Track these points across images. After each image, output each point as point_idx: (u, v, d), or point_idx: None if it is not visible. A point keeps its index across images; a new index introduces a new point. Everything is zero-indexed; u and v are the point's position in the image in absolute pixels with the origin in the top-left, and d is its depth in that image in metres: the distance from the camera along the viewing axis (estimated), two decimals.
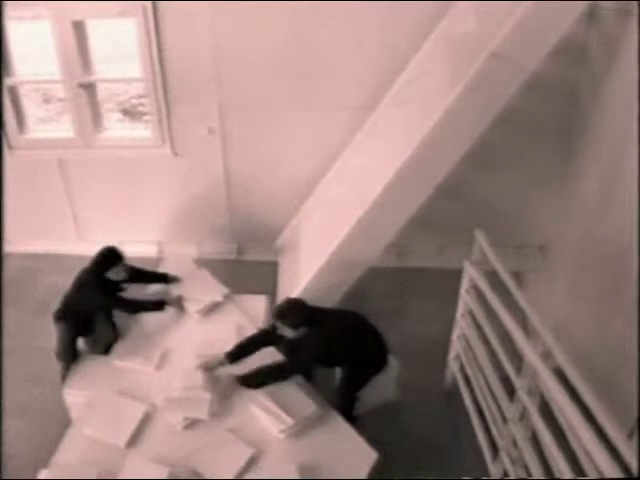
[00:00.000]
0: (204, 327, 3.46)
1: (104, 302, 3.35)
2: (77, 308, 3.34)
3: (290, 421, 2.84)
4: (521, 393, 2.54)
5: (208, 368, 3.00)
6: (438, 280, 4.20)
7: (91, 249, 4.77)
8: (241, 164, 4.46)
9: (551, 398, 2.30)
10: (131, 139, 4.63)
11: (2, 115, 4.26)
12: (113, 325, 3.48)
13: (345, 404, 3.17)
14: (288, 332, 2.93)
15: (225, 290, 3.63)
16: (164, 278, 3.68)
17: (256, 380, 2.92)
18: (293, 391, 2.97)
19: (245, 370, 2.96)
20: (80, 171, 4.61)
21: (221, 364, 3.01)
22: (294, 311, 2.95)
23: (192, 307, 3.51)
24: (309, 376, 3.29)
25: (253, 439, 2.82)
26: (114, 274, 3.31)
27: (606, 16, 3.42)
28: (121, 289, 3.47)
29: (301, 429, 2.87)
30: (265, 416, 2.90)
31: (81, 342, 3.45)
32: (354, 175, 3.99)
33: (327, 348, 2.97)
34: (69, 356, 3.36)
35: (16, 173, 4.43)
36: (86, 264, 3.39)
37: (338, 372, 3.27)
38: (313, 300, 3.19)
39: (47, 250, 4.86)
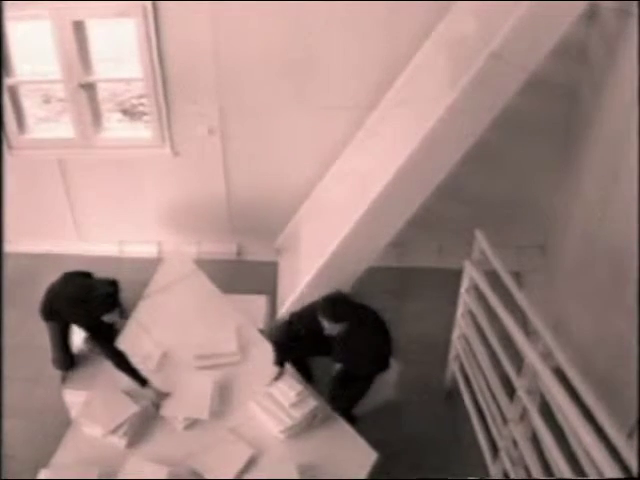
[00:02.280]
0: (204, 327, 3.46)
1: (105, 350, 3.13)
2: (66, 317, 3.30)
3: (289, 422, 2.84)
4: (521, 393, 2.54)
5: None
6: (438, 280, 4.20)
7: (91, 249, 4.83)
8: (241, 164, 4.45)
9: (551, 398, 2.30)
10: (131, 139, 4.63)
11: (2, 115, 4.26)
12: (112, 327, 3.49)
13: (343, 400, 3.17)
14: (331, 327, 2.90)
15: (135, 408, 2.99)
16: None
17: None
18: (292, 390, 2.98)
19: None
20: (80, 171, 4.60)
21: (280, 374, 3.06)
22: (336, 306, 2.91)
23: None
24: (309, 375, 3.29)
25: (253, 439, 2.82)
26: (108, 318, 3.13)
27: (606, 16, 3.41)
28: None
29: (301, 429, 2.87)
30: (265, 416, 2.90)
31: (81, 342, 3.45)
32: (354, 175, 3.99)
33: (375, 347, 3.05)
34: (65, 363, 3.36)
35: (16, 173, 4.43)
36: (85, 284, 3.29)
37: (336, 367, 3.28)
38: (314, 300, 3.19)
39: (47, 250, 4.86)
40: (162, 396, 3.04)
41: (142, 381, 3.06)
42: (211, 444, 2.82)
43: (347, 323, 2.89)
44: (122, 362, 3.09)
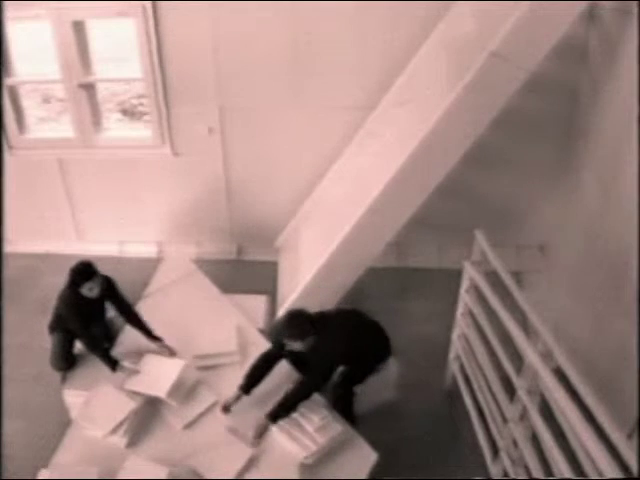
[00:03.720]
0: (204, 327, 3.46)
1: (76, 324, 3.21)
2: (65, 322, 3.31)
3: (314, 447, 2.78)
4: (521, 393, 2.54)
5: (227, 407, 2.95)
6: (438, 280, 4.20)
7: (91, 249, 4.83)
8: (241, 164, 4.46)
9: (551, 398, 2.30)
10: (131, 139, 4.63)
11: (2, 115, 4.26)
12: (108, 328, 3.49)
13: (345, 400, 3.16)
14: (297, 345, 2.87)
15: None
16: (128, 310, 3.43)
17: (284, 412, 2.86)
18: (316, 415, 2.90)
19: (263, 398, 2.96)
20: (80, 171, 4.61)
21: (238, 398, 2.95)
22: (297, 323, 2.88)
23: None
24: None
25: (275, 464, 2.76)
26: (87, 290, 3.14)
27: (606, 16, 3.42)
28: (102, 308, 3.39)
29: (325, 453, 2.81)
30: (289, 442, 2.83)
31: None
32: (354, 175, 4.00)
33: (337, 352, 2.94)
34: (63, 364, 3.35)
35: (16, 173, 4.43)
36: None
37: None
38: (314, 301, 3.19)
39: (47, 250, 4.86)
40: (134, 374, 3.10)
41: (113, 365, 3.12)
42: (211, 444, 2.81)
43: (313, 336, 2.86)
44: (95, 345, 3.19)
